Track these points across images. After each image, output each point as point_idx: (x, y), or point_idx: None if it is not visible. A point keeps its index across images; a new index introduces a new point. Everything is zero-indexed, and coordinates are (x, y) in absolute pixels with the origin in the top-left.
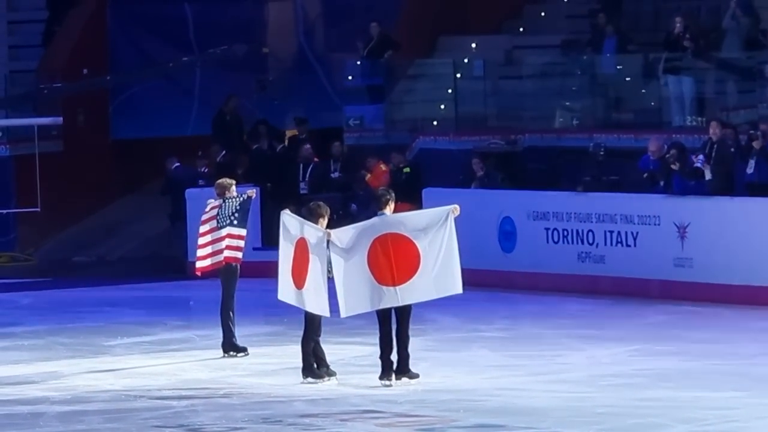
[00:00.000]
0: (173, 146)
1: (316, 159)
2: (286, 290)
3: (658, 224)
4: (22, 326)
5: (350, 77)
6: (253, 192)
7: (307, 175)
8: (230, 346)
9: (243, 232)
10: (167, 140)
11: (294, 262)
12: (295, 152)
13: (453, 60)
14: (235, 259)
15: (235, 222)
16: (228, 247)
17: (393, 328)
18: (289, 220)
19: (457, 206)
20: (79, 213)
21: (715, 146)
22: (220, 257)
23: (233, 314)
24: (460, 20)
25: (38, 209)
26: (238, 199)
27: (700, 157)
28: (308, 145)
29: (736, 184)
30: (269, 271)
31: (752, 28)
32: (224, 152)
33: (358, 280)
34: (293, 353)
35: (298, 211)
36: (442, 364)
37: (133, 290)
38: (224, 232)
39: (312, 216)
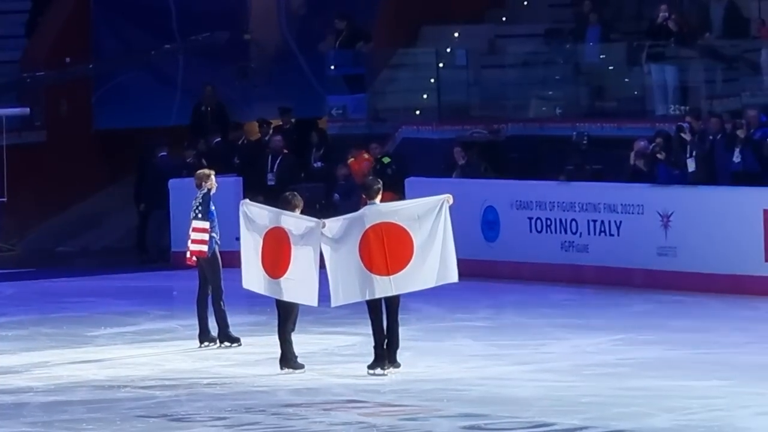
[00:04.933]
0: (156, 136)
1: (285, 151)
2: (253, 279)
3: (642, 213)
4: (5, 316)
5: (333, 67)
6: (213, 184)
7: (275, 167)
8: (225, 337)
9: (205, 224)
10: (150, 130)
11: (264, 252)
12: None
13: (436, 49)
14: (200, 252)
15: (199, 215)
16: (193, 241)
17: (383, 318)
18: (252, 210)
19: (450, 195)
20: (62, 203)
21: (696, 137)
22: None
23: (224, 304)
24: (443, 9)
25: (4, 199)
26: (200, 192)
27: (687, 124)
28: (279, 137)
29: (722, 173)
30: None
31: (736, 17)
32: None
33: (348, 270)
34: (277, 343)
35: (268, 203)
36: (426, 354)
37: (116, 280)
38: (193, 224)
39: (288, 206)
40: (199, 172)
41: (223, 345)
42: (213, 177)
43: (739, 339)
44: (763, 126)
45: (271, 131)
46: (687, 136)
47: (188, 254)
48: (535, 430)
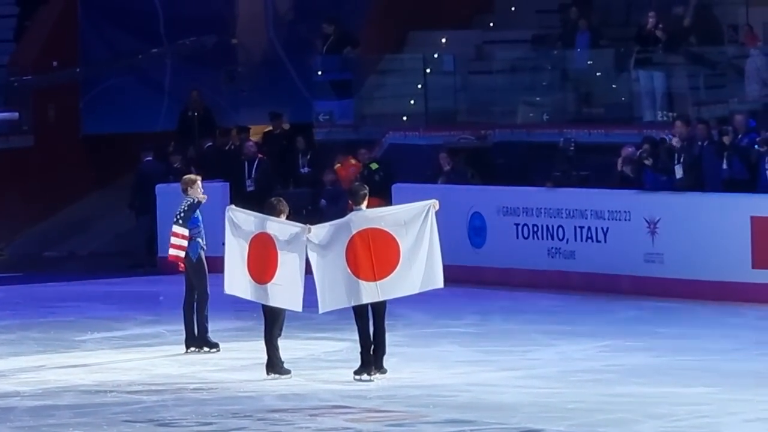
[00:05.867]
0: (144, 142)
1: (260, 155)
2: (237, 285)
3: (629, 220)
4: None
5: (320, 72)
6: (203, 197)
7: (252, 172)
8: (203, 342)
9: (184, 231)
10: (138, 135)
11: (250, 257)
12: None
13: (423, 55)
14: (177, 257)
15: (180, 221)
16: (172, 246)
17: (369, 323)
18: (238, 215)
19: (436, 201)
20: (50, 208)
21: (684, 144)
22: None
23: (207, 310)
24: (430, 15)
25: None
26: (189, 199)
27: (670, 136)
28: (251, 142)
29: (712, 181)
30: None
31: (720, 24)
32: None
33: (335, 276)
34: (263, 348)
35: (248, 209)
36: (412, 360)
37: (103, 285)
38: (172, 228)
39: (273, 211)
40: (185, 177)
41: (202, 350)
42: (199, 183)
43: (727, 346)
44: (751, 132)
45: (262, 137)
46: (677, 142)
47: (171, 258)
48: None
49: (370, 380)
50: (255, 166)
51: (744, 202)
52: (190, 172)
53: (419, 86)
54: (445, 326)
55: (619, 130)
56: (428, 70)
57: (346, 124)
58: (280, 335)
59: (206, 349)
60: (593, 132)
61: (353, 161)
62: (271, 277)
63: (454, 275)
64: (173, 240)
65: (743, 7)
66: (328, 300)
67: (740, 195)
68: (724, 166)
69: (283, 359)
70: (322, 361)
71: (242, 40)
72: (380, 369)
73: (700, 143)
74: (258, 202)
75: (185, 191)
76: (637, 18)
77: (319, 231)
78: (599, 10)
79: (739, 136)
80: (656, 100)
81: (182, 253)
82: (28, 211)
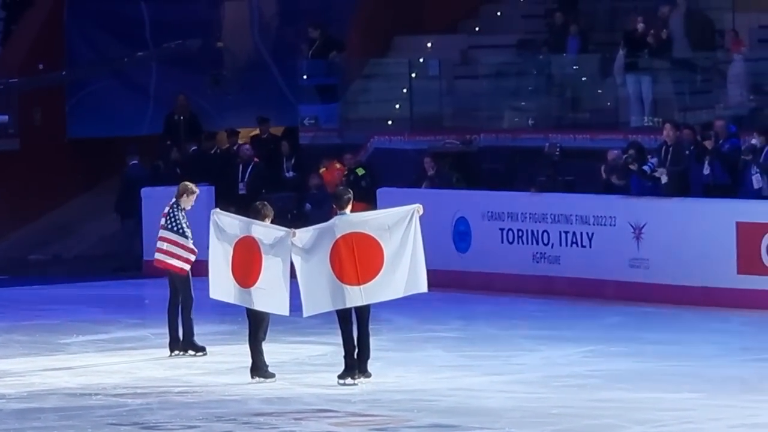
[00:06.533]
0: (129, 145)
1: (256, 159)
2: (222, 288)
3: (614, 225)
4: None
5: (305, 76)
6: (191, 197)
7: (246, 176)
8: (190, 345)
9: (173, 236)
10: (123, 139)
11: (235, 261)
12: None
13: (408, 59)
14: (159, 261)
15: (168, 226)
16: (158, 250)
17: (353, 327)
18: (224, 219)
19: (420, 205)
20: (35, 211)
21: (670, 149)
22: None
23: (193, 313)
24: (416, 20)
25: None
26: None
27: (653, 160)
28: (247, 145)
29: (694, 185)
30: None
31: (707, 29)
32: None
33: (319, 280)
34: (248, 352)
35: (239, 212)
36: (397, 364)
37: (88, 288)
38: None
39: (258, 216)
40: (185, 183)
41: (188, 353)
42: (195, 197)
43: (711, 351)
44: (732, 137)
45: (249, 141)
46: (648, 167)
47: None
48: None
49: (354, 384)
50: (249, 169)
51: (729, 208)
52: (177, 176)
53: (404, 91)
54: (429, 331)
55: (604, 135)
56: (413, 75)
57: (331, 128)
58: (264, 339)
59: (192, 352)
60: (579, 137)
61: (338, 165)
62: (255, 280)
63: (438, 280)
64: (160, 245)
65: (730, 12)
66: (313, 304)
67: (725, 200)
68: (706, 171)
69: (267, 363)
70: (307, 364)
71: (228, 44)
72: (364, 373)
73: (686, 148)
74: (249, 205)
75: (179, 197)
76: (622, 23)
77: (304, 235)
78: (585, 15)
79: (720, 141)
80: (645, 105)
81: (163, 257)
82: (14, 215)
